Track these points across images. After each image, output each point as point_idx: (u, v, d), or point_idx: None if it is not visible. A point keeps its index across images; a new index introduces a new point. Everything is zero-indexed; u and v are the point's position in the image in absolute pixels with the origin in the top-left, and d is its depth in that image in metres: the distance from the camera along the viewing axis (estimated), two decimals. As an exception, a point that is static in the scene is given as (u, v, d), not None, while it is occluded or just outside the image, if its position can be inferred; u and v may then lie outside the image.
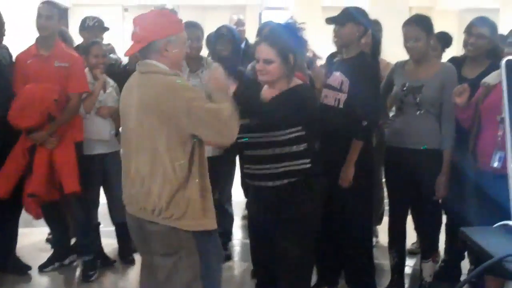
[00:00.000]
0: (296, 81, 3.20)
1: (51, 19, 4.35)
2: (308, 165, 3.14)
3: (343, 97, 3.77)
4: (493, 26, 4.07)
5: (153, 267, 2.95)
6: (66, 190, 4.30)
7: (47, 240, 5.23)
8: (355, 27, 3.81)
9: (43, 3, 4.42)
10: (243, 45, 5.85)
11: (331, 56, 4.83)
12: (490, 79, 3.56)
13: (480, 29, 3.98)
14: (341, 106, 3.78)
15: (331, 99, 3.83)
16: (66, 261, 4.76)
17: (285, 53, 3.06)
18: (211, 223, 2.88)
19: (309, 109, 3.13)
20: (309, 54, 3.90)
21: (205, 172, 2.87)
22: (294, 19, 3.31)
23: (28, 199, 4.26)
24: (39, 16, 4.34)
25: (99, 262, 4.65)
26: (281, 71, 3.09)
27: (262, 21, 8.70)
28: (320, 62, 4.37)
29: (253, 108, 3.07)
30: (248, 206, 3.55)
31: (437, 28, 4.05)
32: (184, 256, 2.82)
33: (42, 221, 4.66)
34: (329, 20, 3.93)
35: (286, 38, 3.11)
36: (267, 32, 3.30)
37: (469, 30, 4.04)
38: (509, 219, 1.85)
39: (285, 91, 3.12)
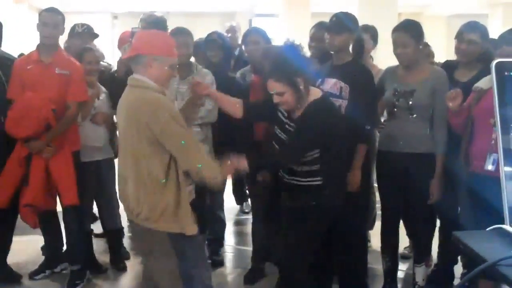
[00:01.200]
0: (314, 95, 3.33)
1: (57, 28, 4.30)
2: (319, 183, 3.31)
3: (344, 103, 3.81)
4: (483, 31, 4.07)
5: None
6: (65, 203, 4.29)
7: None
8: (349, 36, 3.88)
9: (47, 11, 4.33)
10: (236, 52, 5.85)
11: None
12: (482, 83, 3.57)
13: (470, 35, 3.98)
14: (342, 112, 3.80)
15: None
16: (58, 269, 4.73)
17: (292, 81, 3.20)
18: (187, 228, 3.08)
19: (328, 127, 3.27)
20: None
21: (182, 185, 3.06)
22: (290, 40, 3.46)
23: (24, 208, 4.20)
24: (45, 24, 4.25)
25: (88, 272, 4.60)
26: (296, 96, 3.23)
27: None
28: None
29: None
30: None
31: (426, 34, 4.06)
32: (160, 257, 3.06)
33: (29, 229, 4.63)
34: (326, 29, 3.96)
35: (289, 66, 3.25)
36: (271, 67, 3.38)
37: (460, 36, 4.03)
38: (502, 222, 1.84)
39: (301, 115, 3.30)
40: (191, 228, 3.09)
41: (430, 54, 4.97)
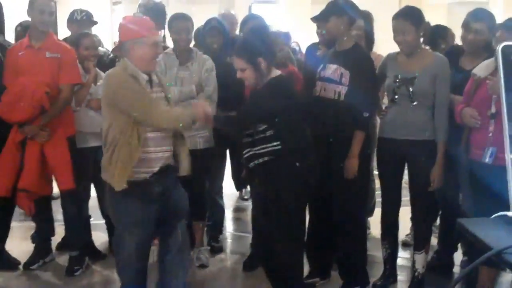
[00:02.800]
0: (275, 74, 3.54)
1: (52, 15, 4.32)
2: (278, 147, 3.42)
3: (343, 89, 3.80)
4: (490, 19, 3.97)
5: None
6: (61, 187, 4.27)
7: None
8: (338, 20, 3.84)
9: None
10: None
11: (312, 48, 4.83)
12: (480, 70, 3.54)
13: (477, 25, 3.88)
14: (342, 98, 3.80)
15: (330, 92, 3.85)
16: (47, 259, 4.66)
17: (253, 59, 3.43)
18: (114, 181, 3.24)
19: (282, 98, 3.45)
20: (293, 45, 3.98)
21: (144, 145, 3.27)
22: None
23: (20, 194, 4.18)
24: (42, 12, 4.24)
25: (86, 258, 4.58)
26: (256, 74, 3.47)
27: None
28: None
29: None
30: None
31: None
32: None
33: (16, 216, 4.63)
34: (314, 19, 4.00)
35: (253, 45, 3.47)
36: (237, 45, 3.65)
37: (466, 26, 3.94)
38: (504, 209, 1.83)
39: (258, 89, 3.53)
40: (118, 183, 3.21)
41: (453, 37, 4.89)
